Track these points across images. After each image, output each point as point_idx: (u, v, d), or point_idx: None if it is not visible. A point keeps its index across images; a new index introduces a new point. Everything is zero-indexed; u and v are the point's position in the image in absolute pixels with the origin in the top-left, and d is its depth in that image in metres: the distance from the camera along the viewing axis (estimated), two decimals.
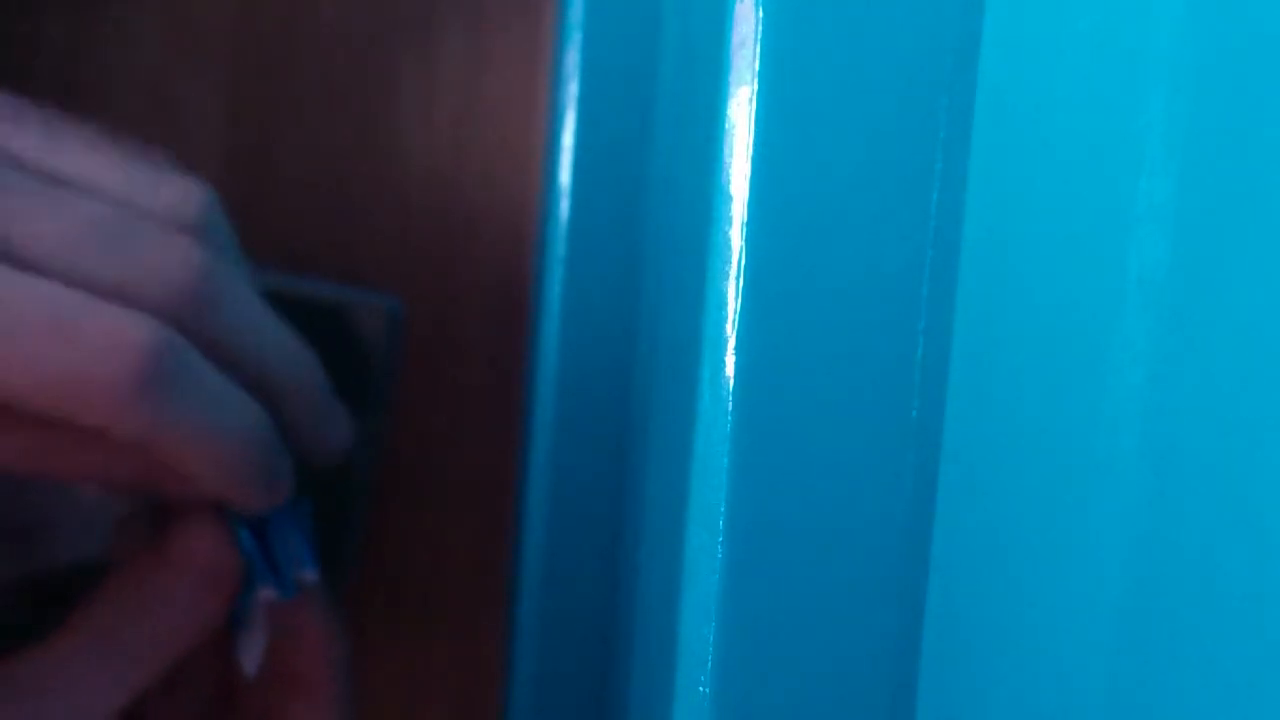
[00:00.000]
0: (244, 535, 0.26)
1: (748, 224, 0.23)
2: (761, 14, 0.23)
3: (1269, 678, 0.16)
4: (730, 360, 0.24)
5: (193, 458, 0.23)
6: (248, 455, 0.24)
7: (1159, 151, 0.18)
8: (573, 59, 0.34)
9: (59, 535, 0.29)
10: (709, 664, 0.24)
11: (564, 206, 0.34)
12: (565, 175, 0.34)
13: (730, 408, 0.24)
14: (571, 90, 0.34)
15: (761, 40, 0.23)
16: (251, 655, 0.27)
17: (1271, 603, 0.16)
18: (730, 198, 0.24)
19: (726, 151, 0.24)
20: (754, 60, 0.23)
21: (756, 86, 0.23)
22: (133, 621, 0.25)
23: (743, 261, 0.23)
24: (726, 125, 0.24)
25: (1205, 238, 0.17)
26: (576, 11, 0.34)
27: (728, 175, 0.24)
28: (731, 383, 0.24)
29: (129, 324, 0.21)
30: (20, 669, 0.23)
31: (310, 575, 0.28)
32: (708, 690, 0.24)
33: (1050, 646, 0.20)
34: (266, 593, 0.27)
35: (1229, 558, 0.16)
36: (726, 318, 0.24)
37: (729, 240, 0.24)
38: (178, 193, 0.23)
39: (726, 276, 0.24)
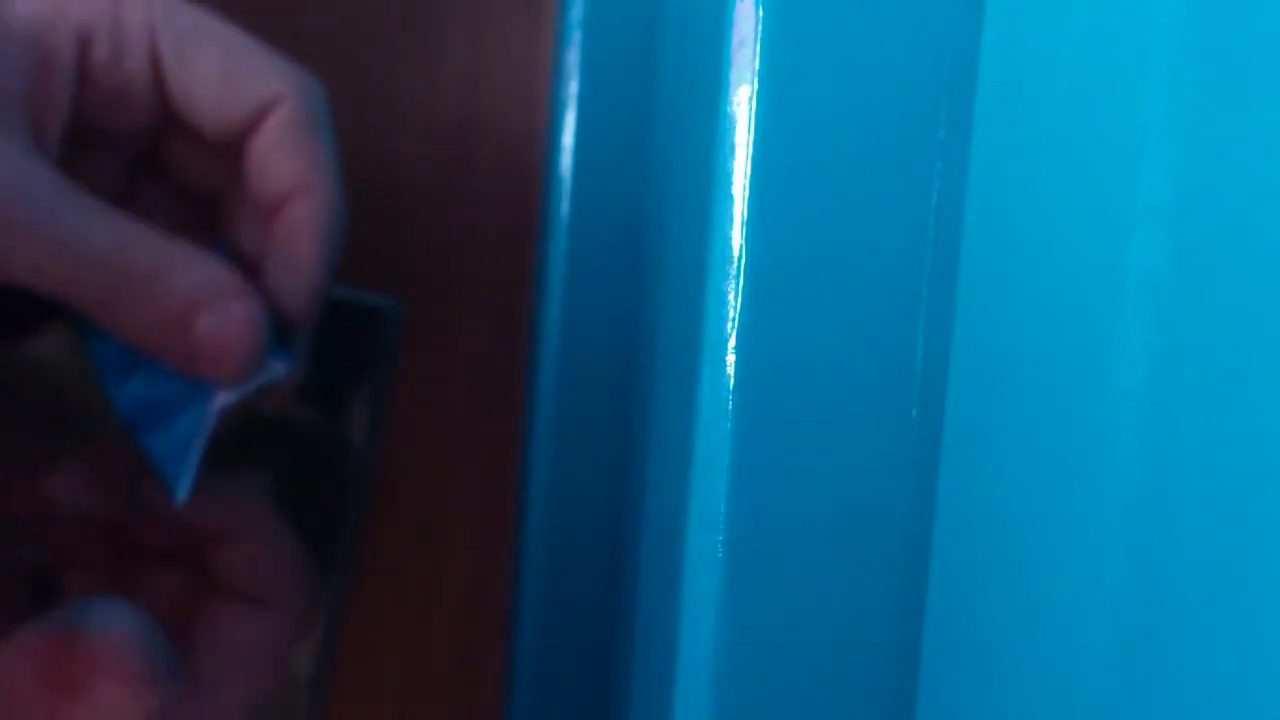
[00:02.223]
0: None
1: (747, 224, 0.23)
2: (761, 13, 0.23)
3: (1268, 677, 0.16)
4: (730, 360, 0.24)
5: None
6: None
7: (1158, 151, 0.18)
8: (573, 58, 0.34)
9: (57, 538, 0.29)
10: (709, 663, 0.24)
11: (564, 205, 0.34)
12: (566, 174, 0.34)
13: (730, 407, 0.24)
14: (572, 89, 0.34)
15: (761, 40, 0.23)
16: (185, 483, 0.26)
17: (1271, 602, 0.16)
18: (730, 197, 0.24)
19: (726, 151, 0.24)
20: (754, 60, 0.23)
21: (756, 86, 0.23)
22: None
23: (743, 261, 0.23)
24: (726, 124, 0.24)
25: (1204, 238, 0.17)
26: (577, 10, 0.34)
27: (728, 174, 0.24)
28: (731, 382, 0.24)
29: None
30: None
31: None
32: (708, 690, 0.24)
33: (1050, 646, 0.20)
34: (274, 368, 0.26)
35: (1228, 557, 0.16)
36: (727, 317, 0.24)
37: (729, 240, 0.24)
38: None
39: (727, 276, 0.24)
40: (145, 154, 0.28)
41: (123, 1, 0.26)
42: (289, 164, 0.26)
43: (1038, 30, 0.21)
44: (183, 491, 0.26)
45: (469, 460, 0.37)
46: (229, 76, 0.26)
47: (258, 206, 0.27)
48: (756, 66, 0.23)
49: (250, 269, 0.27)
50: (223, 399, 0.26)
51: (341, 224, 0.27)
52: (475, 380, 0.37)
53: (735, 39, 0.24)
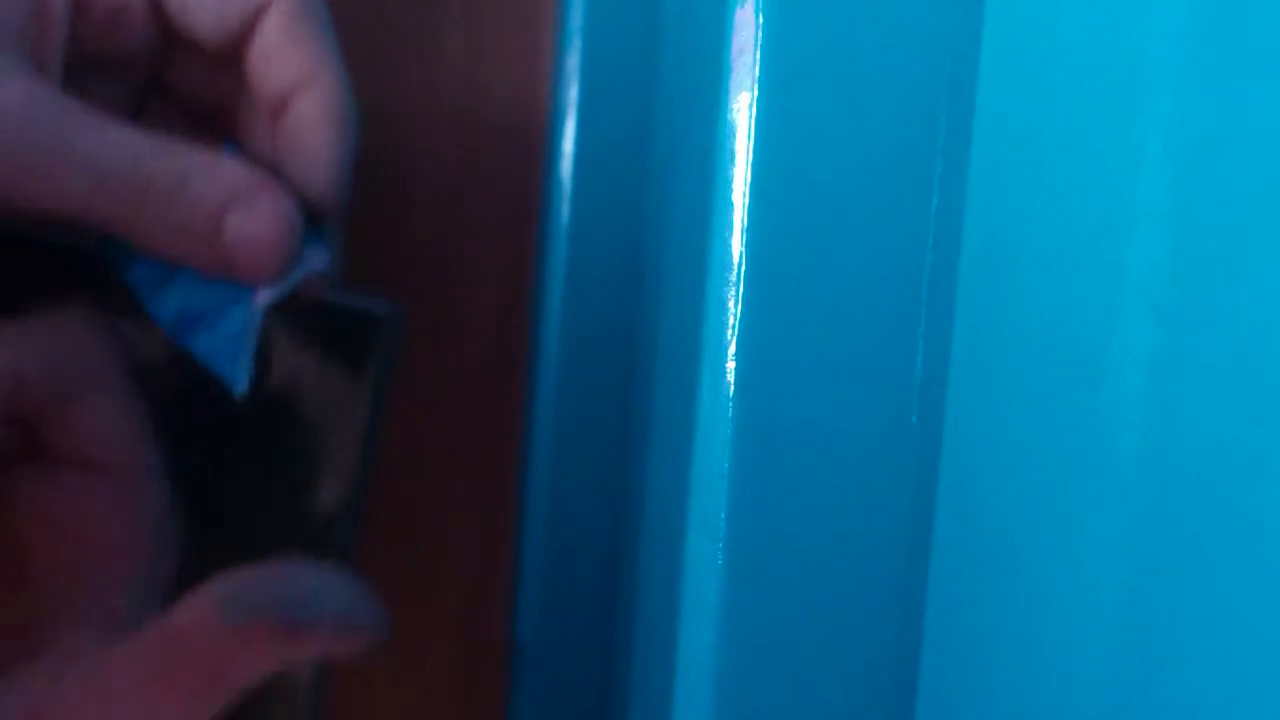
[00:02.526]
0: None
1: (747, 230, 0.23)
2: (761, 20, 0.23)
3: (1268, 677, 0.16)
4: (730, 367, 0.24)
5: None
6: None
7: (1158, 154, 0.18)
8: (573, 64, 0.34)
9: None
10: (709, 667, 0.24)
11: (564, 211, 0.34)
12: (566, 180, 0.34)
13: (730, 414, 0.24)
14: (571, 95, 0.34)
15: (761, 47, 0.23)
16: (242, 377, 0.26)
17: (1270, 602, 0.16)
18: (730, 204, 0.24)
19: (726, 157, 0.24)
20: (754, 67, 0.23)
21: (756, 93, 0.23)
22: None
23: (743, 267, 0.23)
24: (726, 131, 0.24)
25: (1203, 240, 0.17)
26: (577, 17, 0.34)
27: (728, 181, 0.24)
28: (731, 389, 0.24)
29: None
30: None
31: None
32: (708, 695, 0.24)
33: (1050, 649, 0.20)
34: (310, 258, 0.26)
35: (1228, 558, 0.16)
36: (727, 324, 0.24)
37: (729, 246, 0.24)
38: None
39: (727, 283, 0.24)
40: (148, 78, 0.28)
41: None
42: (290, 59, 0.26)
43: (1037, 35, 0.21)
44: (241, 385, 0.26)
45: (469, 464, 0.37)
46: None
47: (264, 108, 0.27)
48: (756, 74, 0.23)
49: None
50: (265, 295, 0.26)
51: (351, 115, 0.27)
52: (475, 385, 0.37)
53: (735, 46, 0.24)
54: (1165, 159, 0.18)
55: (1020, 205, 0.22)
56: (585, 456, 0.35)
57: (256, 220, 0.25)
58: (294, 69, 0.26)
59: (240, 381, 0.26)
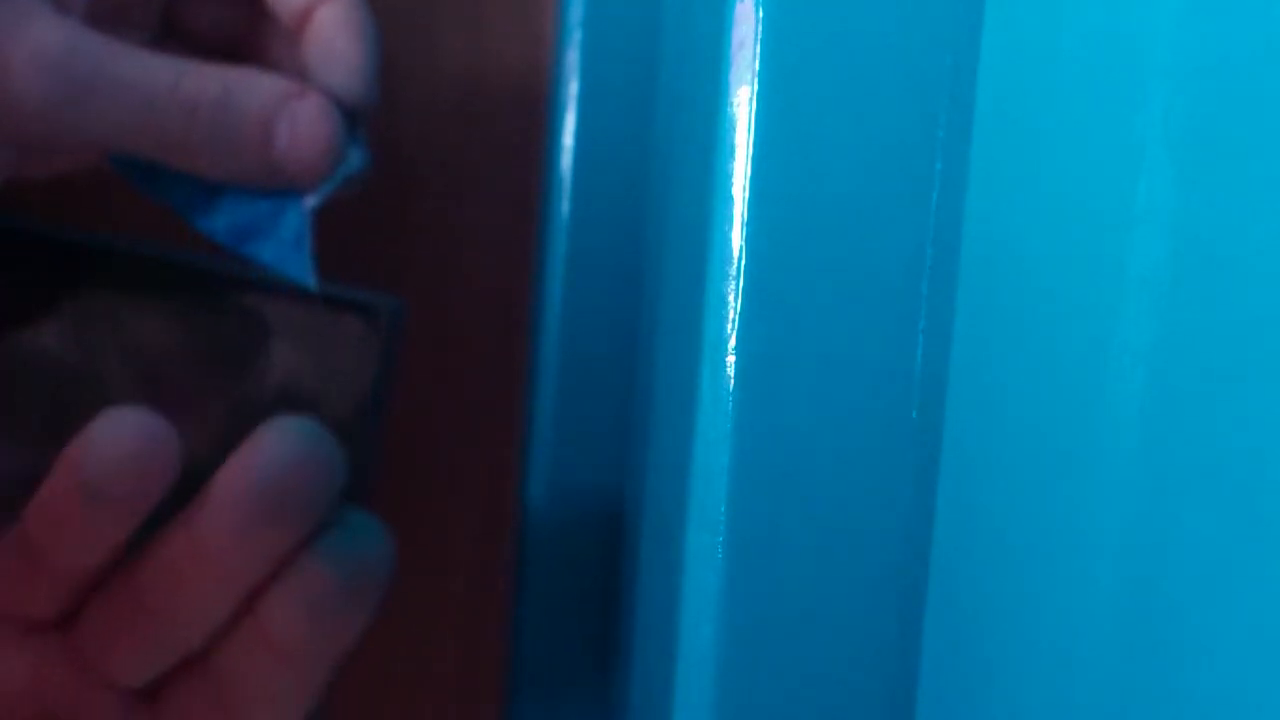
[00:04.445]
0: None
1: (747, 224, 0.23)
2: (761, 14, 0.23)
3: (1268, 677, 0.16)
4: (730, 361, 0.24)
5: None
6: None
7: (1159, 151, 0.18)
8: (573, 58, 0.34)
9: None
10: (709, 664, 0.24)
11: (564, 205, 0.34)
12: (566, 174, 0.34)
13: (730, 408, 0.24)
14: (572, 89, 0.34)
15: (761, 41, 0.23)
16: (308, 272, 0.27)
17: (1271, 602, 0.16)
18: (730, 198, 0.24)
19: (726, 152, 0.24)
20: (754, 61, 0.23)
21: (756, 87, 0.23)
22: None
23: (743, 262, 0.23)
24: (726, 125, 0.24)
25: (1205, 238, 0.17)
26: (576, 11, 0.34)
27: (728, 175, 0.24)
28: (731, 383, 0.24)
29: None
30: None
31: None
32: (708, 691, 0.24)
33: (1050, 646, 0.20)
34: (352, 159, 0.27)
35: (1228, 558, 0.16)
36: (727, 318, 0.24)
37: (729, 241, 0.24)
38: None
39: (727, 277, 0.24)
40: (162, 23, 0.28)
41: None
42: None
43: (1038, 30, 0.21)
44: (312, 279, 0.27)
45: (469, 459, 0.37)
46: None
47: (286, 27, 0.28)
48: (756, 67, 0.23)
49: None
50: (313, 198, 0.27)
51: (371, 20, 0.28)
52: (475, 379, 0.37)
53: (735, 40, 0.24)
54: (1166, 155, 0.18)
55: (1021, 199, 0.21)
56: (585, 452, 0.35)
57: (302, 122, 0.25)
58: None
59: (311, 278, 0.27)
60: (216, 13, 0.29)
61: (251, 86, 0.25)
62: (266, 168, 0.25)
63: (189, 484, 0.26)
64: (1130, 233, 0.19)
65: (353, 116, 0.27)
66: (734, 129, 0.24)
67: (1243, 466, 0.16)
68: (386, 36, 0.36)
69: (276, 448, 0.25)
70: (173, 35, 0.29)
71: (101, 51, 0.24)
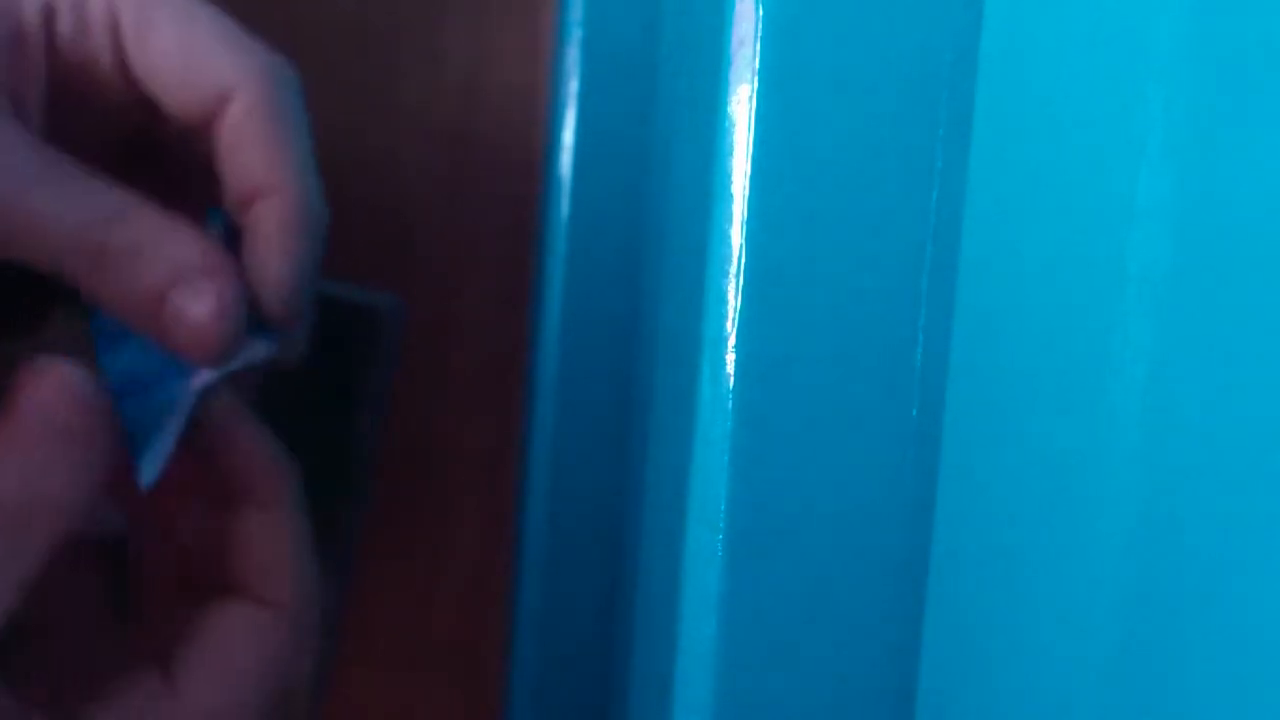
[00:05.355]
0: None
1: (747, 222, 0.23)
2: (761, 12, 0.23)
3: (1268, 677, 0.16)
4: (730, 358, 0.24)
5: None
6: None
7: (1159, 149, 0.18)
8: (573, 56, 0.34)
9: None
10: (709, 661, 0.24)
11: (564, 204, 0.34)
12: (566, 172, 0.34)
13: (730, 405, 0.24)
14: (572, 87, 0.34)
15: (761, 39, 0.23)
16: (154, 461, 0.25)
17: (1271, 601, 0.16)
18: (730, 196, 0.24)
19: (726, 150, 0.24)
20: (754, 59, 0.23)
21: (756, 85, 0.23)
22: None
23: (743, 259, 0.23)
24: (726, 123, 0.24)
25: (1205, 236, 0.17)
26: (577, 9, 0.34)
27: (728, 173, 0.24)
28: (731, 381, 0.24)
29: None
30: None
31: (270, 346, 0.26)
32: (708, 688, 0.24)
33: (1050, 645, 0.20)
34: (256, 348, 0.25)
35: (1228, 556, 0.16)
36: (727, 315, 0.24)
37: (729, 238, 0.24)
38: None
39: (726, 275, 0.24)
40: (133, 131, 0.28)
41: None
42: (253, 159, 0.26)
43: (1037, 27, 0.21)
44: (150, 469, 0.25)
45: (469, 458, 0.37)
46: (186, 59, 0.25)
47: (232, 198, 0.26)
48: (756, 66, 0.23)
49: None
50: (204, 377, 0.25)
51: (317, 220, 0.26)
52: (475, 377, 0.37)
53: (735, 38, 0.24)
54: (1166, 154, 0.18)
55: (1021, 197, 0.21)
56: (585, 450, 0.35)
57: (197, 304, 0.24)
58: (255, 169, 0.26)
59: (149, 467, 0.25)
60: (185, 139, 0.27)
61: (166, 247, 0.24)
62: (157, 330, 0.24)
63: None
64: (1130, 230, 0.19)
65: (268, 322, 0.26)
66: (734, 127, 0.24)
67: (1242, 463, 0.16)
68: (388, 36, 0.36)
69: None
70: (146, 147, 0.28)
71: (29, 169, 0.24)
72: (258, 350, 0.26)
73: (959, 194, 0.23)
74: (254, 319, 0.25)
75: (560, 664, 0.36)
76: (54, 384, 0.24)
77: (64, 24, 0.25)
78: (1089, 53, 0.20)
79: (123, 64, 0.26)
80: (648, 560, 0.30)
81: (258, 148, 0.26)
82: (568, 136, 0.34)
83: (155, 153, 0.28)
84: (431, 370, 0.36)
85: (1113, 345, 0.19)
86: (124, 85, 0.26)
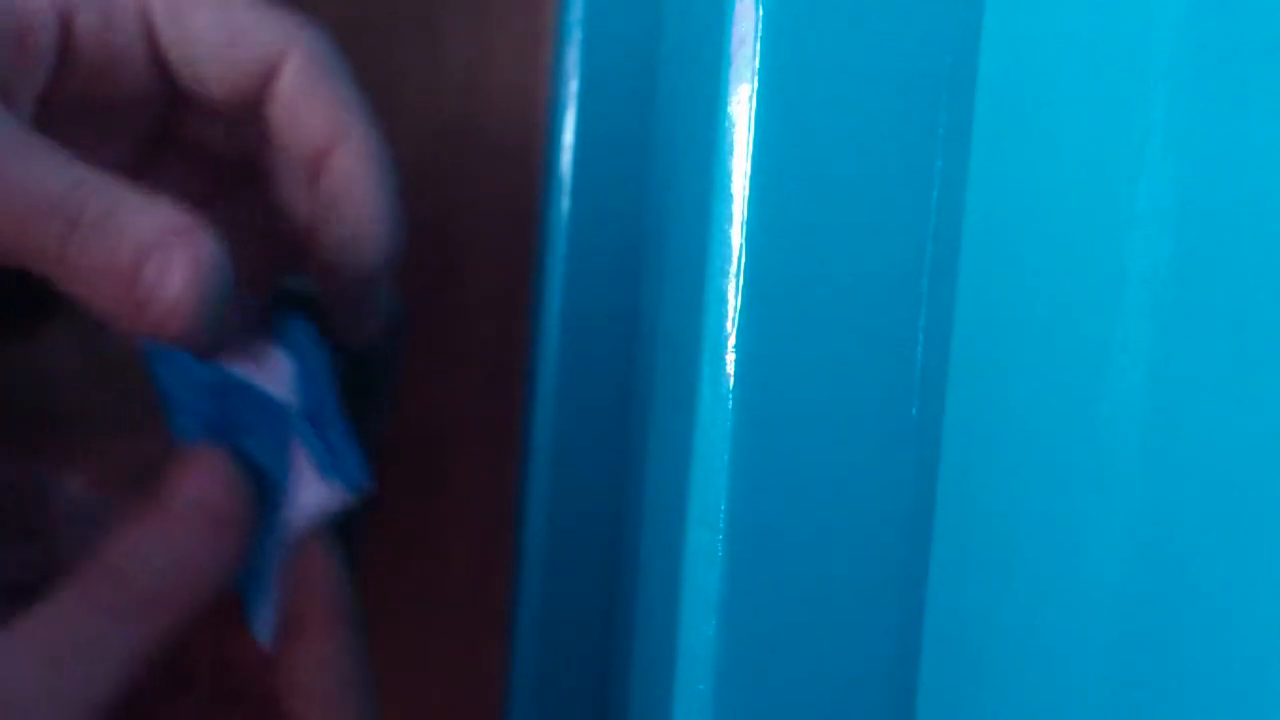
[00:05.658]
0: (303, 426, 0.25)
1: (747, 222, 0.23)
2: (761, 12, 0.23)
3: (1268, 676, 0.16)
4: (730, 358, 0.24)
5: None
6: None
7: (1159, 151, 0.18)
8: (573, 56, 0.34)
9: (61, 534, 0.29)
10: (709, 661, 0.24)
11: (564, 204, 0.34)
12: (566, 172, 0.34)
13: (730, 405, 0.24)
14: (572, 88, 0.34)
15: (761, 39, 0.23)
16: (267, 617, 0.25)
17: (1270, 601, 0.16)
18: (730, 196, 0.24)
19: (726, 149, 0.24)
20: (754, 58, 0.23)
21: (756, 85, 0.23)
22: (130, 575, 0.23)
23: (742, 259, 0.23)
24: (726, 123, 0.24)
25: (1204, 237, 0.17)
26: (577, 9, 0.34)
27: (727, 173, 0.24)
28: (732, 380, 0.24)
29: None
30: (18, 623, 0.22)
31: (368, 479, 0.25)
32: (708, 688, 0.24)
33: (1050, 645, 0.20)
34: (331, 493, 0.25)
35: (1229, 557, 0.16)
36: (727, 315, 0.24)
37: (729, 238, 0.24)
38: None
39: (726, 275, 0.24)
40: (157, 130, 0.27)
41: None
42: (317, 116, 0.25)
43: (1038, 28, 0.21)
44: (265, 630, 0.25)
45: (469, 459, 0.37)
46: (229, 35, 0.25)
47: (298, 169, 0.26)
48: (756, 65, 0.23)
49: (303, 238, 0.26)
50: (300, 527, 0.25)
51: (391, 170, 0.26)
52: (475, 378, 0.37)
53: (735, 38, 0.24)
54: (1166, 154, 0.18)
55: (1021, 198, 0.21)
56: (585, 450, 0.35)
57: (172, 267, 0.23)
58: (322, 126, 0.25)
59: (263, 628, 0.25)
60: (221, 132, 0.27)
61: (140, 213, 0.23)
62: (131, 309, 0.23)
63: None
64: (1130, 231, 0.19)
65: (361, 289, 0.25)
66: (734, 127, 0.24)
67: (1242, 464, 0.16)
68: (388, 36, 0.36)
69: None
70: (173, 146, 0.27)
71: (2, 143, 0.22)
72: (336, 496, 0.25)
73: (959, 194, 0.23)
74: (325, 461, 0.25)
75: (560, 665, 0.35)
76: (210, 470, 0.24)
77: (87, 19, 0.24)
78: (1089, 54, 0.20)
79: (155, 53, 0.25)
80: (647, 561, 0.30)
81: (320, 103, 0.25)
82: (568, 136, 0.34)
83: (179, 156, 0.28)
84: (432, 371, 0.36)
85: (1112, 346, 0.19)
86: (153, 77, 0.25)
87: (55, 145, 0.23)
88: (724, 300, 0.24)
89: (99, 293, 0.23)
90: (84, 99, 0.25)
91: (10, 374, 0.29)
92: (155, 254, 0.23)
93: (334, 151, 0.25)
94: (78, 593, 0.23)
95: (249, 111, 0.26)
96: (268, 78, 0.25)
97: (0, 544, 0.29)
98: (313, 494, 0.25)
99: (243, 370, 0.25)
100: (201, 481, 0.24)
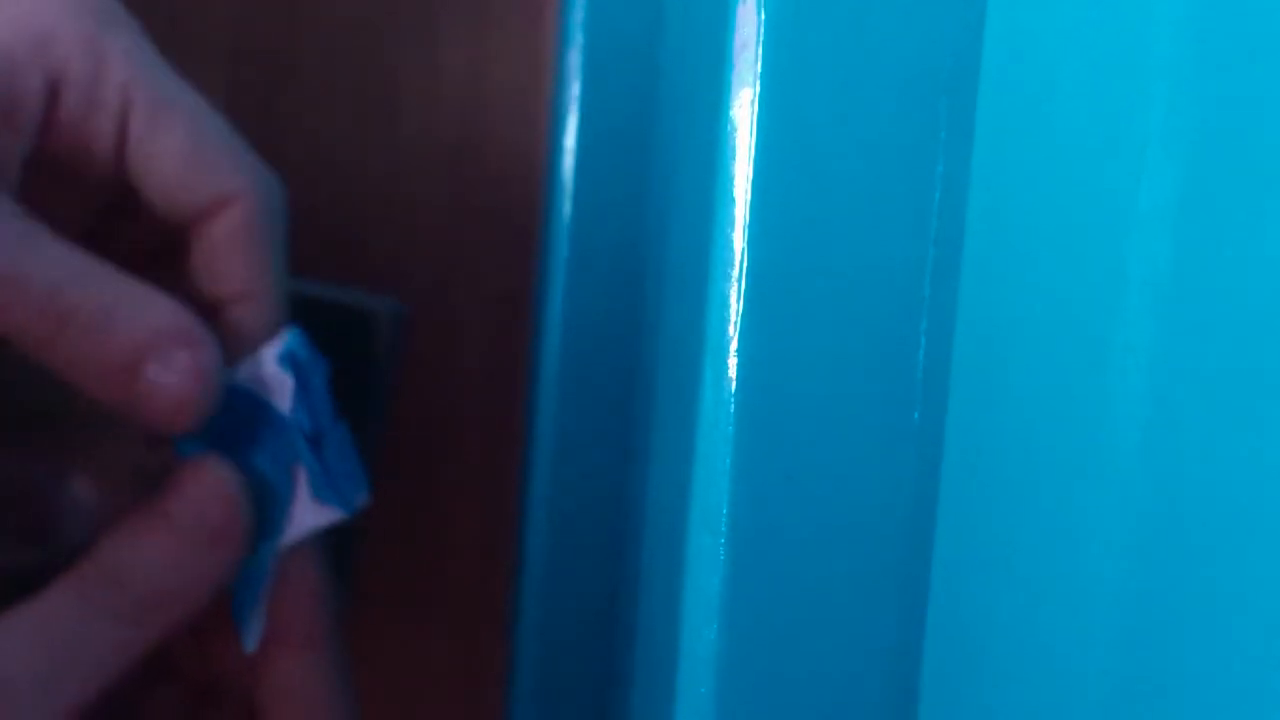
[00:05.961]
0: (302, 446, 0.25)
1: (750, 226, 0.23)
2: (763, 16, 0.23)
3: (1268, 677, 0.16)
4: (733, 362, 0.24)
5: None
6: None
7: (1160, 152, 0.18)
8: (575, 60, 0.34)
9: (63, 534, 0.29)
10: (711, 664, 0.24)
11: (566, 207, 0.34)
12: (568, 176, 0.34)
13: (733, 410, 0.24)
14: (574, 91, 0.34)
15: (763, 43, 0.23)
16: (255, 626, 0.25)
17: (1272, 601, 0.16)
18: (732, 200, 0.24)
19: (728, 153, 0.24)
20: (756, 63, 0.23)
21: (758, 89, 0.23)
22: (127, 579, 0.23)
23: (745, 263, 0.23)
24: (728, 126, 0.24)
25: (1205, 238, 0.17)
26: (579, 12, 0.34)
27: (730, 177, 0.24)
28: (734, 385, 0.24)
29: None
30: (9, 620, 0.23)
31: (364, 496, 0.26)
32: (709, 691, 0.24)
33: (1053, 649, 0.20)
34: (325, 512, 0.25)
35: (1231, 559, 0.16)
36: (729, 320, 0.24)
37: (731, 242, 0.24)
38: None
39: (729, 278, 0.24)
40: (114, 197, 0.27)
41: (107, 56, 0.24)
42: (235, 267, 0.26)
43: (1039, 31, 0.21)
44: (251, 639, 0.26)
45: (470, 461, 0.37)
46: (192, 162, 0.25)
47: (207, 295, 0.26)
48: (758, 69, 0.23)
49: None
50: (291, 537, 0.26)
51: (276, 327, 0.26)
52: (477, 380, 0.37)
53: (737, 42, 0.24)
54: (1167, 157, 0.18)
55: (1023, 201, 0.22)
56: (587, 454, 0.35)
57: (173, 373, 0.23)
58: (238, 278, 0.26)
59: (250, 635, 0.26)
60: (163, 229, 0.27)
61: (140, 311, 0.23)
62: (126, 403, 0.23)
63: None
64: (1131, 234, 0.19)
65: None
66: (736, 131, 0.24)
67: (1245, 467, 0.16)
68: (389, 39, 0.36)
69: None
70: (124, 212, 0.27)
71: None
72: (329, 515, 0.26)
73: (961, 198, 0.23)
74: (320, 482, 0.25)
75: (561, 666, 0.35)
76: (214, 483, 0.24)
77: (71, 100, 0.24)
78: (1090, 57, 0.20)
79: (120, 151, 0.25)
80: (649, 563, 0.30)
81: (244, 257, 0.26)
82: (569, 140, 0.34)
83: (122, 226, 0.27)
84: (433, 374, 0.36)
85: (1114, 349, 0.19)
86: (111, 168, 0.25)
87: (46, 229, 0.23)
88: (726, 304, 0.24)
89: (98, 387, 0.24)
90: (48, 170, 0.25)
91: (10, 374, 0.29)
92: (153, 358, 0.23)
93: (232, 307, 0.26)
94: (74, 592, 0.23)
95: (184, 229, 0.26)
96: (208, 215, 0.26)
97: (0, 543, 0.29)
98: (307, 512, 0.26)
99: (247, 381, 0.26)
100: (205, 494, 0.24)
